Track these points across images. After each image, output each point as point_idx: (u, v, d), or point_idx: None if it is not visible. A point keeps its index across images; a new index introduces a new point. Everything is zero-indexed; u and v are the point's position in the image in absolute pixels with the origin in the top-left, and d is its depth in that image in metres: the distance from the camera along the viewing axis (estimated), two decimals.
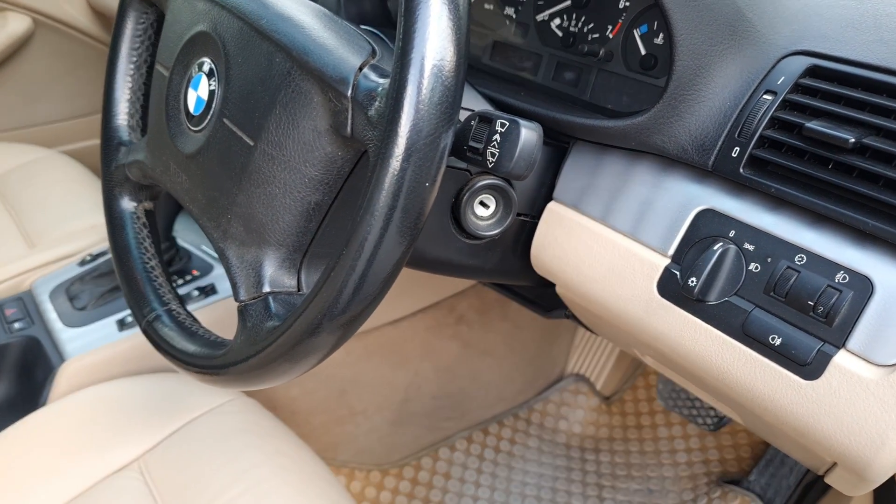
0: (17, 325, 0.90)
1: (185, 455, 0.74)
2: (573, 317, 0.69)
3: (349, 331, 0.41)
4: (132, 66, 0.62)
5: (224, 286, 0.93)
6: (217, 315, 0.90)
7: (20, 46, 1.47)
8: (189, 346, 0.50)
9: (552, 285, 0.64)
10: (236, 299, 0.45)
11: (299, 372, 0.43)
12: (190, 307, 0.89)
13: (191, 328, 0.52)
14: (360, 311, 0.40)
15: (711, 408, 1.07)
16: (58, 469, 0.74)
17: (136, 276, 0.57)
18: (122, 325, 0.87)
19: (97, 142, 1.64)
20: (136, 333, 0.87)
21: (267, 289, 0.44)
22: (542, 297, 0.74)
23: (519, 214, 0.58)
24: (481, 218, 0.56)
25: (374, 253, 0.38)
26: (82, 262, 1.00)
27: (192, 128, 0.49)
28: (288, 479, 0.71)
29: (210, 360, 0.47)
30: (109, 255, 0.99)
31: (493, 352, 1.12)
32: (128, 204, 0.61)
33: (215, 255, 0.99)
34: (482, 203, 0.56)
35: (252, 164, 0.44)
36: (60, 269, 1.00)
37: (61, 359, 0.84)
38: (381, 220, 0.37)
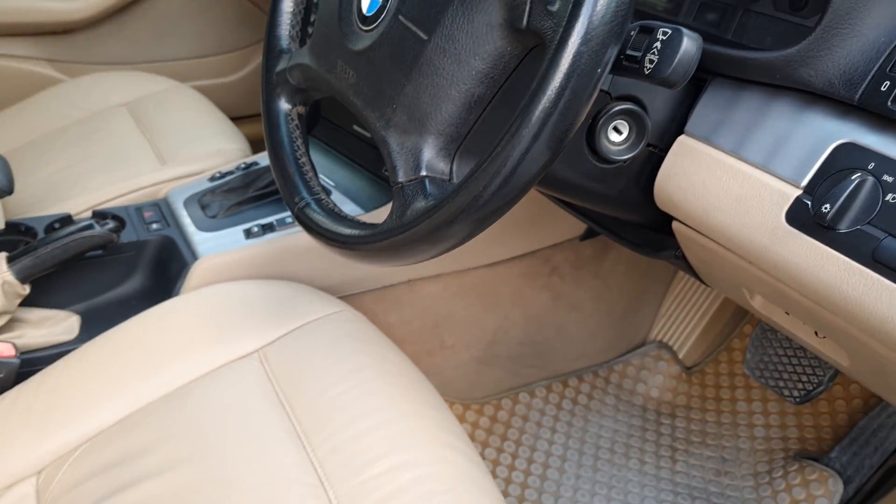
0: (154, 226, 0.99)
1: (299, 351, 0.81)
2: (682, 258, 0.71)
3: (485, 224, 0.46)
4: None
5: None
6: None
7: None
8: (338, 228, 0.56)
9: (667, 223, 0.66)
10: (394, 182, 0.50)
11: (439, 251, 0.48)
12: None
13: (338, 214, 0.58)
14: (498, 208, 0.45)
15: (800, 380, 1.07)
16: (188, 349, 0.82)
17: (289, 169, 0.63)
18: (248, 234, 0.95)
19: (220, 80, 1.76)
20: (259, 242, 0.94)
21: (424, 172, 0.49)
22: (650, 242, 0.76)
23: (649, 145, 0.61)
24: (614, 143, 0.59)
25: (522, 155, 0.42)
26: (212, 178, 1.08)
27: (364, 27, 0.54)
28: (392, 382, 0.76)
29: (359, 238, 0.53)
30: (237, 173, 1.07)
31: (581, 307, 1.15)
32: (284, 105, 0.67)
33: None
34: (616, 129, 0.59)
35: (423, 57, 0.48)
36: (192, 182, 1.09)
37: (194, 257, 0.93)
38: (538, 120, 0.41)
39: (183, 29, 1.67)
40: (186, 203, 1.03)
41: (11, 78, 1.53)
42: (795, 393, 1.07)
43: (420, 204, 0.48)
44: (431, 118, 0.49)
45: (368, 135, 1.00)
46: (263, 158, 1.13)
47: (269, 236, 0.95)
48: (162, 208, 1.04)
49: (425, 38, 0.48)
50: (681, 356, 1.20)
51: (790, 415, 1.08)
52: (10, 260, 0.81)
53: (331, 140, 1.15)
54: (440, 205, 0.46)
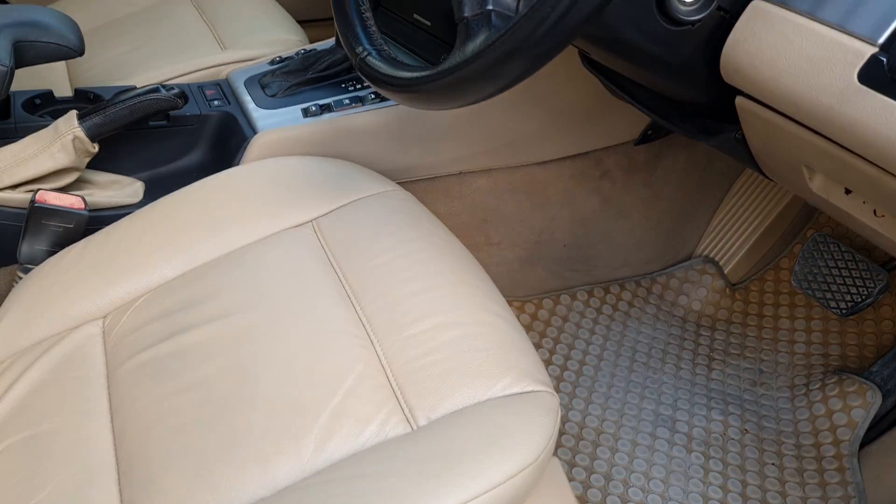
0: (216, 103, 1.02)
1: (351, 223, 0.83)
2: (741, 141, 0.70)
3: (541, 60, 0.46)
4: None
5: None
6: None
7: None
8: (399, 73, 0.57)
9: (726, 103, 0.65)
10: (459, 18, 0.51)
11: (497, 88, 0.49)
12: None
13: (399, 61, 0.59)
14: (556, 43, 0.45)
15: (848, 292, 1.05)
16: (246, 215, 0.85)
17: (352, 21, 0.64)
18: (305, 112, 0.97)
19: None
20: (316, 121, 0.96)
21: (490, 7, 0.49)
22: (708, 128, 0.75)
23: (720, 8, 0.60)
24: (684, 3, 0.58)
25: None
26: (272, 62, 1.10)
27: None
28: (439, 254, 0.78)
29: (421, 79, 0.54)
30: (296, 58, 1.09)
31: (629, 215, 1.14)
32: None
33: None
34: None
35: None
36: (252, 65, 1.11)
37: (254, 131, 0.95)
38: None
39: None
40: (247, 83, 1.05)
41: None
42: (843, 305, 1.06)
43: (482, 36, 0.48)
44: None
45: (428, 23, 0.99)
46: (322, 45, 1.14)
47: (326, 116, 0.96)
48: (223, 87, 1.06)
49: None
50: (726, 272, 1.19)
51: (833, 332, 1.07)
52: (80, 118, 0.85)
53: (390, 30, 1.15)
54: (501, 37, 0.46)
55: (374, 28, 0.64)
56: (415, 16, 1.07)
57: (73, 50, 0.88)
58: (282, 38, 1.23)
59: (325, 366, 0.67)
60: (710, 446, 0.99)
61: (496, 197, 1.07)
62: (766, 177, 0.74)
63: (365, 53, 0.61)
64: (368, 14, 0.65)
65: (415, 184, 1.03)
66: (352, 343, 0.69)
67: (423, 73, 0.54)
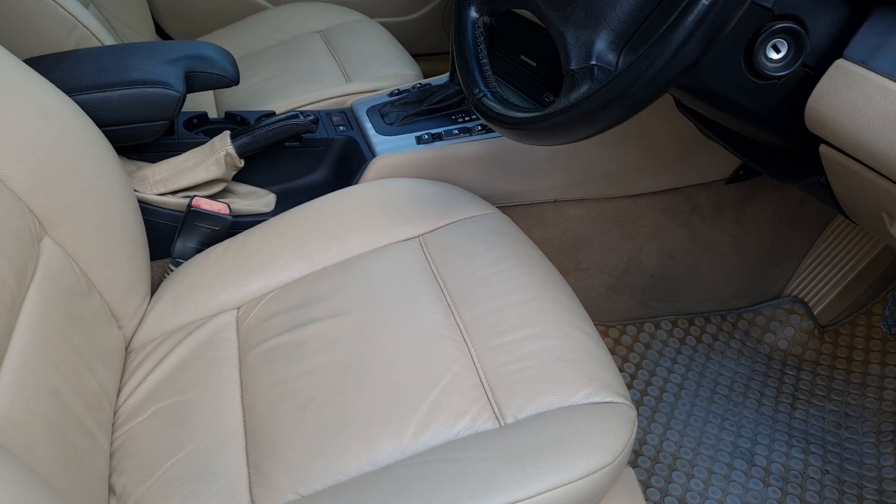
0: (341, 128, 1.15)
1: (454, 240, 0.93)
2: (825, 186, 0.74)
3: (636, 108, 0.54)
4: None
5: None
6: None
7: None
8: (512, 113, 0.66)
9: (811, 149, 0.70)
10: (566, 70, 0.59)
11: (595, 130, 0.57)
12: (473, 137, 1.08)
13: (511, 102, 0.68)
14: (649, 95, 0.52)
15: None
16: (361, 228, 0.96)
17: (471, 66, 0.74)
18: (419, 140, 1.08)
19: (400, 18, 1.90)
20: (428, 148, 1.07)
21: (594, 61, 0.58)
22: (794, 172, 0.80)
23: (804, 66, 0.65)
24: (771, 60, 0.64)
25: (676, 50, 0.49)
26: (391, 94, 1.22)
27: None
28: (532, 272, 0.86)
29: (530, 119, 0.62)
30: (413, 91, 1.21)
31: (717, 250, 1.18)
32: (473, 14, 0.77)
33: None
34: (774, 47, 0.64)
35: None
36: (373, 96, 1.24)
37: (373, 154, 1.07)
38: (694, 20, 0.48)
39: None
40: (369, 112, 1.18)
41: (229, 3, 1.77)
42: None
43: (585, 87, 0.56)
44: (606, 16, 0.57)
45: (533, 64, 1.09)
46: (436, 80, 1.26)
47: (437, 144, 1.07)
48: (347, 115, 1.20)
49: None
50: (816, 313, 1.20)
51: None
52: (232, 137, 1.00)
53: (498, 70, 1.25)
54: (605, 88, 0.54)
55: (489, 72, 0.73)
56: (521, 57, 1.16)
57: (230, 80, 1.03)
58: (399, 73, 1.36)
59: (426, 363, 0.76)
60: (789, 482, 1.00)
61: (587, 225, 1.13)
62: (851, 220, 0.78)
63: (481, 95, 0.71)
64: (485, 60, 0.75)
65: (512, 208, 1.11)
66: (450, 345, 0.78)
67: (531, 115, 0.62)
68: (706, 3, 0.48)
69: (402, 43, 1.62)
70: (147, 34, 1.53)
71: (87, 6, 1.34)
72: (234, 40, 1.60)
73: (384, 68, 1.38)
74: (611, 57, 0.57)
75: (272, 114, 1.17)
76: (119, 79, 0.92)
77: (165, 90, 0.92)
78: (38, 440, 0.62)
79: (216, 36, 1.63)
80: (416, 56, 1.74)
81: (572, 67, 0.58)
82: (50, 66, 0.95)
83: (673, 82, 0.51)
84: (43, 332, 0.69)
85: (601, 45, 0.57)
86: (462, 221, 0.96)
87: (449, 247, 0.91)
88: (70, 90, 0.86)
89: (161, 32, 1.77)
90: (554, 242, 1.14)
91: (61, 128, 0.79)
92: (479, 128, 1.08)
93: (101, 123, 0.88)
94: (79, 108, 0.84)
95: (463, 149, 1.07)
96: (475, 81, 0.72)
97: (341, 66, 1.41)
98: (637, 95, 0.51)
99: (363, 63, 1.40)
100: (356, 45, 1.49)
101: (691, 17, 0.48)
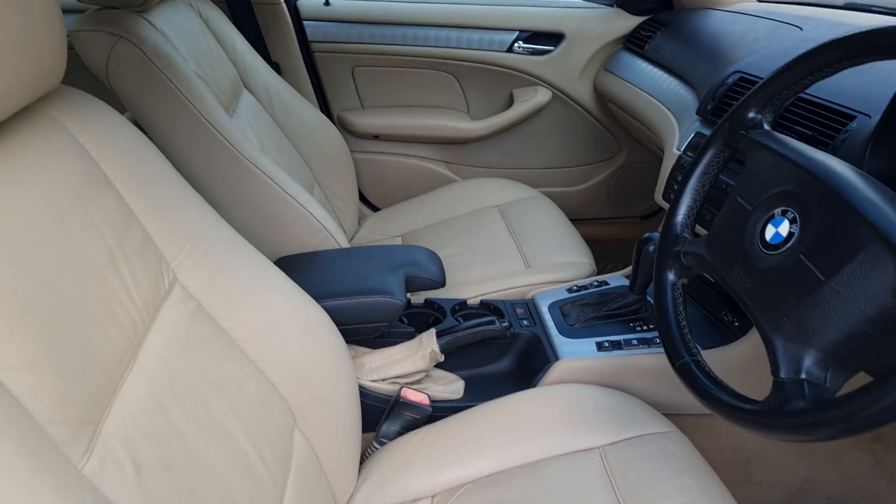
0: (524, 322, 1.28)
1: (635, 458, 0.99)
2: None
3: (852, 434, 0.59)
4: (699, 185, 0.89)
5: None
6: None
7: (538, 111, 1.95)
8: (717, 392, 0.74)
9: None
10: (776, 375, 0.67)
11: (803, 440, 0.63)
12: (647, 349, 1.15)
13: (714, 378, 0.76)
14: (868, 427, 0.58)
15: None
16: (545, 431, 1.05)
17: (672, 331, 0.83)
18: (599, 346, 1.17)
19: (567, 189, 2.06)
20: (607, 355, 1.16)
21: (804, 376, 0.65)
22: None
23: None
24: None
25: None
26: (570, 290, 1.34)
27: (765, 251, 0.72)
28: None
29: (739, 410, 0.70)
30: (591, 290, 1.32)
31: None
32: (672, 277, 0.88)
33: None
34: None
35: (818, 293, 0.65)
36: (553, 289, 1.37)
37: (556, 357, 1.18)
38: None
39: (547, 144, 2.02)
40: (550, 308, 1.30)
41: (420, 174, 2.02)
42: None
43: (799, 404, 0.63)
44: (816, 337, 0.65)
45: (713, 280, 1.16)
46: (612, 279, 1.37)
47: (617, 353, 1.16)
48: (530, 307, 1.32)
49: (822, 278, 0.64)
50: None
51: None
52: (438, 335, 1.15)
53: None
54: (818, 412, 0.60)
55: (689, 337, 0.82)
56: (721, 315, 1.21)
57: (439, 284, 1.20)
58: (573, 261, 1.48)
59: None
60: None
61: (761, 441, 1.16)
62: None
63: (684, 362, 0.80)
64: (685, 323, 0.84)
65: (684, 418, 1.16)
66: None
67: (736, 404, 0.70)
68: None
69: (566, 211, 1.76)
70: (353, 203, 1.78)
71: (310, 190, 1.60)
72: (426, 208, 1.81)
73: (560, 255, 1.51)
74: (819, 373, 0.64)
75: (464, 303, 1.33)
76: (356, 287, 1.11)
77: (391, 299, 1.10)
78: None
79: (411, 204, 1.85)
80: (578, 220, 1.88)
81: (782, 376, 0.66)
82: (302, 269, 1.16)
83: (889, 424, 0.57)
84: None
85: (810, 361, 0.65)
86: (642, 438, 1.02)
87: (630, 465, 0.98)
88: (319, 297, 1.05)
89: (364, 199, 2.04)
90: (726, 454, 1.17)
91: (318, 338, 0.97)
92: (658, 340, 1.16)
93: (337, 323, 1.06)
94: (327, 316, 1.01)
95: (642, 360, 1.15)
96: (677, 348, 0.81)
97: (519, 246, 1.56)
98: (851, 427, 0.58)
99: (540, 247, 1.54)
100: (532, 225, 1.64)
101: None
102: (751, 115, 0.83)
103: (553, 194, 2.02)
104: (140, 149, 0.80)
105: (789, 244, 0.70)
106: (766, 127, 0.82)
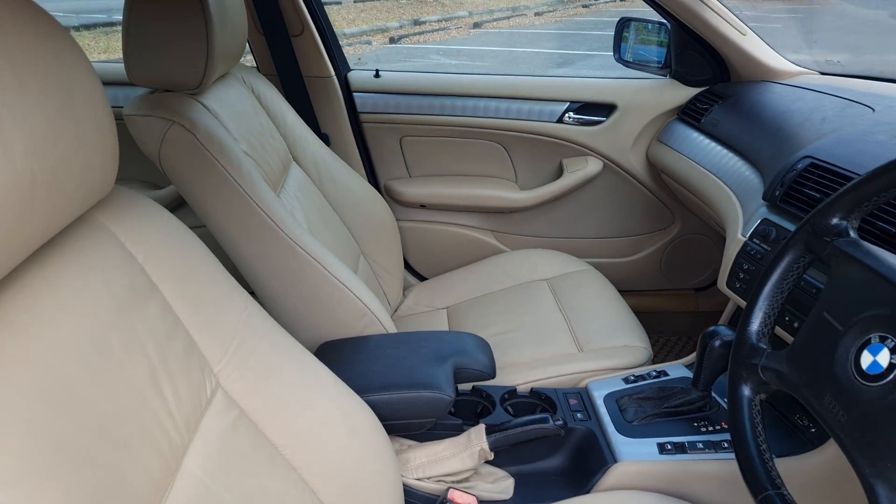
0: (578, 416, 1.20)
1: None
2: None
3: None
4: (777, 291, 0.82)
5: None
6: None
7: (589, 181, 1.90)
8: None
9: None
10: None
11: None
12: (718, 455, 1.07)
13: None
14: None
15: None
16: None
17: (751, 454, 0.76)
18: (661, 448, 1.09)
19: (617, 259, 1.99)
20: (670, 459, 1.07)
21: None
22: None
23: None
24: None
25: None
26: (626, 380, 1.27)
27: (863, 381, 0.65)
28: None
29: None
30: (649, 381, 1.24)
31: None
32: (748, 392, 0.80)
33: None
34: None
35: None
36: (608, 378, 1.29)
37: (614, 459, 1.10)
38: None
39: (596, 214, 1.97)
40: (605, 400, 1.22)
41: (467, 244, 1.98)
42: None
43: None
44: None
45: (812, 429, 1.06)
46: (671, 369, 1.29)
47: (680, 457, 1.07)
48: (583, 398, 1.25)
49: None
50: None
51: None
52: (487, 433, 1.08)
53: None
54: None
55: (772, 464, 0.74)
56: (796, 418, 1.12)
57: (489, 375, 1.14)
58: (629, 346, 1.40)
59: None
60: None
61: None
62: None
63: (767, 496, 0.72)
64: (766, 447, 0.76)
65: None
66: None
67: None
68: None
69: (615, 282, 1.69)
70: (398, 274, 1.75)
71: (356, 263, 1.58)
72: (472, 280, 1.76)
73: (614, 337, 1.43)
74: None
75: (514, 391, 1.26)
76: (403, 381, 1.06)
77: (440, 394, 1.04)
78: None
79: (458, 275, 1.81)
80: (627, 292, 1.80)
81: None
82: (347, 357, 1.12)
83: None
84: None
85: None
86: None
87: None
88: (364, 390, 1.00)
89: (410, 268, 2.01)
90: None
91: (362, 441, 0.92)
92: (727, 444, 1.08)
93: (382, 419, 1.00)
94: (373, 413, 0.96)
95: (709, 466, 1.06)
96: (758, 477, 0.74)
97: (570, 326, 1.49)
98: None
99: (593, 327, 1.47)
100: (584, 302, 1.57)
101: None
102: (835, 220, 0.77)
103: (603, 265, 1.95)
104: (188, 249, 0.78)
105: (891, 376, 0.62)
106: (853, 234, 0.76)
